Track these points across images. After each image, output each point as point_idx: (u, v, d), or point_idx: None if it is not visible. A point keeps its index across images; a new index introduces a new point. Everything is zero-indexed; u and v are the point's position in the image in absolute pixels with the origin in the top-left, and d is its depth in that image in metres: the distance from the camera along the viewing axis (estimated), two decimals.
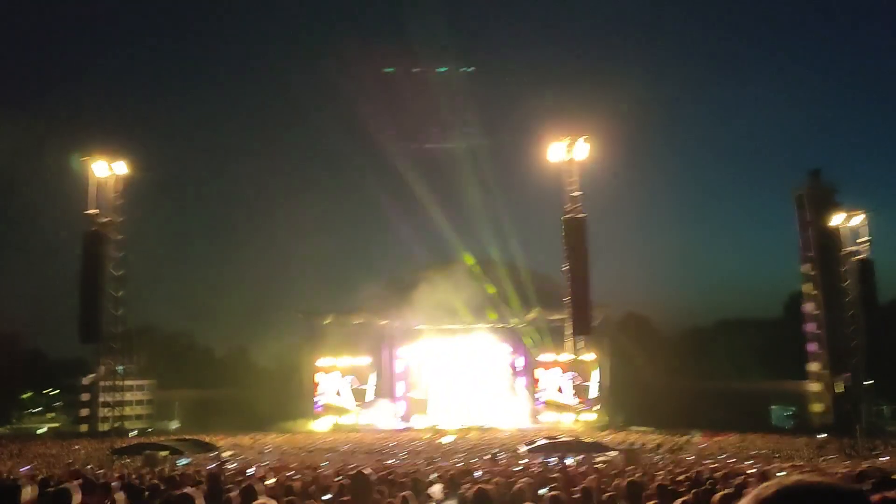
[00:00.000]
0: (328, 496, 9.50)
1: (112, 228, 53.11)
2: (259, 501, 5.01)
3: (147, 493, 8.72)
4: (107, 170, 52.89)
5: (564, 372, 55.06)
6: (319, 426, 55.54)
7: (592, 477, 14.14)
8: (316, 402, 58.14)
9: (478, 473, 15.81)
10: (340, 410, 57.88)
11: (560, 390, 55.43)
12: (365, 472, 5.24)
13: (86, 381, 56.48)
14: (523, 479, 12.71)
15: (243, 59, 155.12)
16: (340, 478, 13.31)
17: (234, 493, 6.06)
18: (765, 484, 1.30)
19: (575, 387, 54.85)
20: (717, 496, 6.38)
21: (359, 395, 58.36)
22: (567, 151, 50.62)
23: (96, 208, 52.43)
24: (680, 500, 6.31)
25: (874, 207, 54.34)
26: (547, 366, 57.46)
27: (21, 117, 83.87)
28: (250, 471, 18.09)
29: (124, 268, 54.17)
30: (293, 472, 18.65)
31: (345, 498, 5.49)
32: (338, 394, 58.21)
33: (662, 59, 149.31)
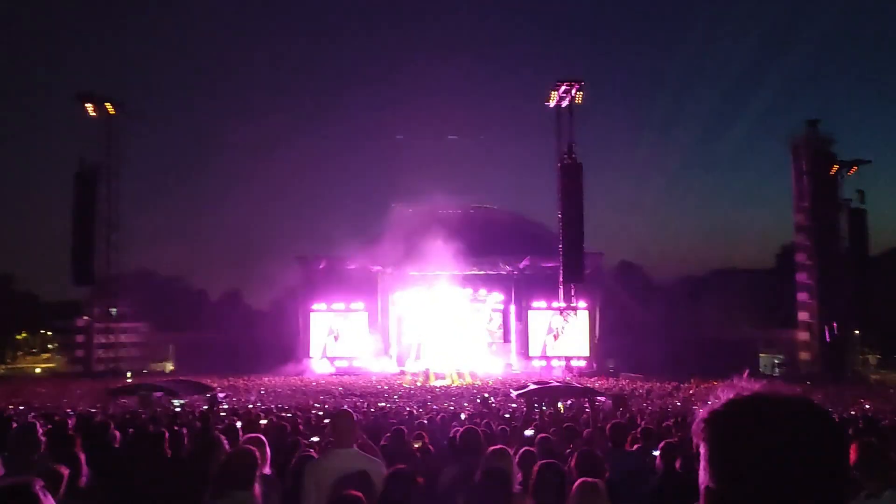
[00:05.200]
0: (317, 438, 9.64)
1: (104, 169, 52.76)
2: (248, 436, 5.04)
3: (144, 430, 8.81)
4: (99, 110, 52.29)
5: (560, 317, 55.39)
6: (313, 369, 56.10)
7: (581, 419, 14.37)
8: (310, 346, 58.70)
9: (464, 416, 16.04)
10: (334, 354, 58.46)
11: (555, 337, 55.87)
12: (349, 410, 5.27)
13: (80, 322, 56.74)
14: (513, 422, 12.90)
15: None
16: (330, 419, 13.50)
17: (221, 433, 6.12)
18: (721, 394, 1.29)
19: (568, 333, 55.29)
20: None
21: (353, 339, 58.84)
22: (563, 98, 50.07)
23: (89, 149, 52.01)
24: (664, 442, 6.39)
25: (869, 158, 54.27)
26: (543, 312, 57.84)
27: (13, 55, 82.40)
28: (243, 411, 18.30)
29: (117, 210, 54.05)
30: (286, 413, 18.90)
31: (331, 438, 5.53)
32: (335, 338, 58.74)
33: (661, 5, 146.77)
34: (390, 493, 3.49)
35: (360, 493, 3.18)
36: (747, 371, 1.60)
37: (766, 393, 1.25)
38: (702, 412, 1.29)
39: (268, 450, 4.69)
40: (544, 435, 7.70)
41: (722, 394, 1.29)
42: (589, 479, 3.84)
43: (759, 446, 1.17)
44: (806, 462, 1.14)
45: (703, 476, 1.26)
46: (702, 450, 1.27)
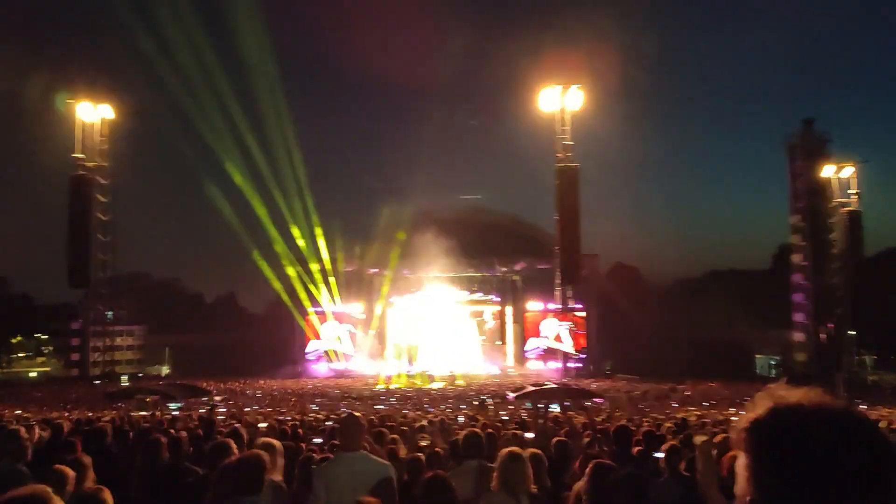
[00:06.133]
0: (319, 440, 9.62)
1: (99, 172, 52.68)
2: (262, 440, 5.03)
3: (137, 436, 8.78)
4: (93, 113, 52.24)
5: (562, 320, 55.37)
6: (309, 372, 56.03)
7: (578, 422, 14.36)
8: (308, 349, 58.63)
9: (461, 419, 16.01)
10: (331, 356, 58.38)
11: (558, 338, 55.81)
12: (356, 413, 5.26)
13: (75, 325, 56.56)
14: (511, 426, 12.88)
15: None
16: (331, 422, 13.47)
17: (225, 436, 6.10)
18: (761, 402, 1.25)
19: (567, 335, 55.31)
20: (699, 438, 6.48)
21: (349, 341, 58.80)
22: (560, 99, 50.11)
23: (83, 152, 51.90)
24: (665, 445, 6.39)
25: (864, 158, 54.41)
26: (540, 314, 57.89)
27: (6, 56, 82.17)
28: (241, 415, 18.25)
29: (112, 213, 53.95)
30: (284, 416, 18.86)
31: (335, 440, 5.53)
32: (331, 341, 58.70)
33: (656, 6, 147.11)
34: (429, 499, 3.50)
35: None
36: (786, 378, 1.57)
37: (809, 402, 1.22)
38: (742, 421, 1.26)
39: (280, 456, 4.67)
40: (559, 438, 7.71)
41: (760, 402, 1.26)
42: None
43: (805, 458, 1.14)
44: (853, 474, 1.12)
45: (743, 487, 1.23)
46: (743, 460, 1.24)
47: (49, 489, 2.11)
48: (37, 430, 9.47)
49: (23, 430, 5.87)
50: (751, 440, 1.22)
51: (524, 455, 3.88)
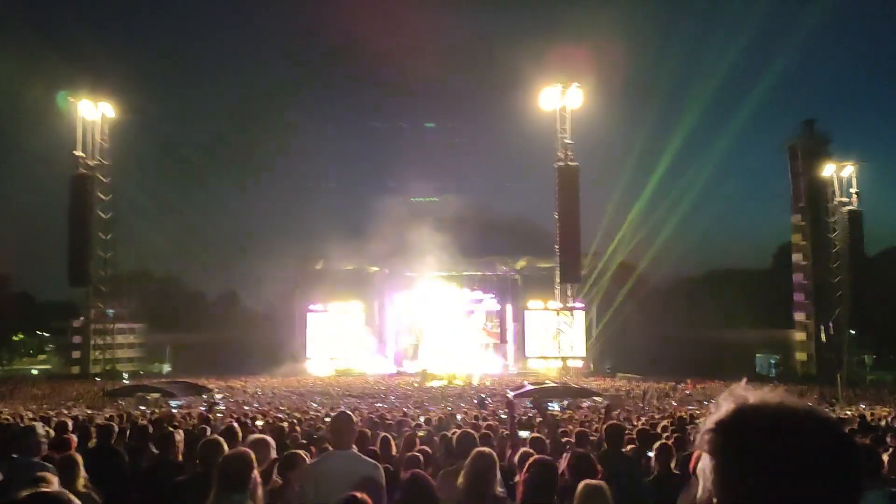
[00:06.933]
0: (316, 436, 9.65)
1: (100, 171, 52.73)
2: (254, 437, 5.04)
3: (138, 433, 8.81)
4: (94, 111, 52.28)
5: (557, 318, 55.34)
6: (310, 370, 56.06)
7: (576, 421, 14.40)
8: (308, 347, 58.65)
9: (460, 417, 16.02)
10: (332, 355, 58.39)
11: (554, 337, 55.81)
12: (347, 411, 5.28)
13: (76, 323, 56.62)
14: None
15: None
16: (329, 420, 13.50)
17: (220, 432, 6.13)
18: (724, 403, 1.24)
19: (567, 334, 55.31)
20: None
21: (350, 340, 58.79)
22: (559, 99, 50.11)
23: (83, 150, 51.94)
24: (658, 443, 6.41)
25: (864, 158, 54.39)
26: (540, 313, 57.85)
27: (8, 55, 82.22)
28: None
29: (113, 211, 54.01)
30: (283, 413, 18.89)
31: (329, 438, 5.55)
32: (332, 339, 58.70)
33: (658, 5, 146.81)
34: (409, 498, 3.50)
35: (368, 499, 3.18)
36: (745, 378, 1.56)
37: (773, 402, 1.21)
38: (707, 422, 1.24)
39: (272, 452, 4.68)
40: (536, 436, 7.74)
41: (723, 402, 1.24)
42: (592, 482, 3.85)
43: (771, 460, 1.14)
44: (820, 473, 1.12)
45: (707, 488, 1.22)
46: (707, 461, 1.22)
47: (68, 493, 2.14)
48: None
49: (39, 425, 6.02)
50: (716, 441, 1.21)
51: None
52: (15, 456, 5.33)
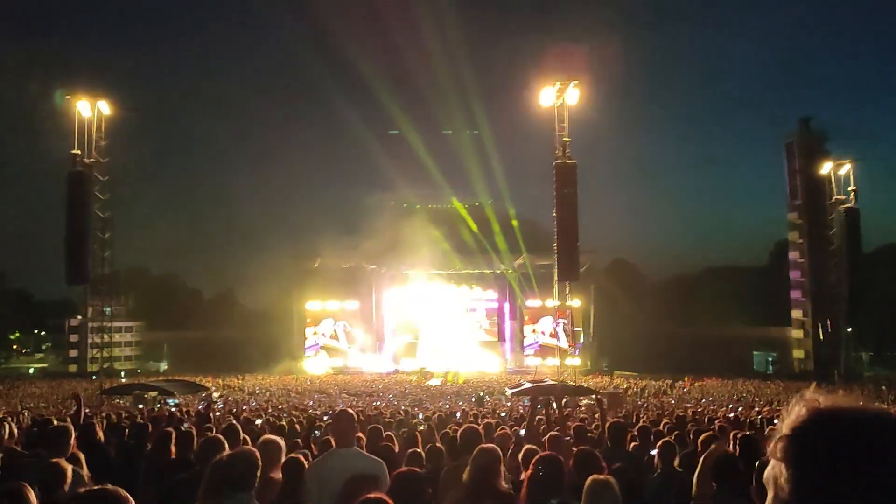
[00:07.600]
0: (315, 434, 9.63)
1: (97, 169, 52.58)
2: (265, 437, 5.02)
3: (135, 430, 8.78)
4: (91, 109, 52.11)
5: (558, 317, 55.27)
6: (307, 368, 56.05)
7: (575, 418, 14.40)
8: (306, 345, 58.67)
9: (458, 414, 16.00)
10: (328, 352, 58.40)
11: (554, 334, 55.72)
12: (349, 410, 5.27)
13: (73, 322, 56.51)
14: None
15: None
16: (328, 418, 13.48)
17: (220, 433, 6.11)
18: (796, 409, 1.18)
19: (566, 332, 55.26)
20: (703, 435, 6.51)
21: (347, 338, 58.78)
22: (557, 96, 50.04)
23: (81, 148, 51.77)
24: (661, 441, 6.41)
25: (861, 156, 54.42)
26: (538, 311, 57.84)
27: (5, 52, 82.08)
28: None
29: (110, 209, 53.90)
30: (281, 412, 18.88)
31: (329, 436, 5.53)
32: (329, 337, 58.68)
33: (656, 4, 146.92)
34: (401, 495, 3.47)
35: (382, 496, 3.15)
36: (814, 383, 1.51)
37: (850, 408, 1.16)
38: (783, 429, 1.19)
39: (281, 453, 4.67)
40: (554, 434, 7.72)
41: (794, 407, 1.20)
42: (600, 477, 3.85)
43: (856, 465, 1.09)
44: None
45: (781, 498, 1.17)
46: (780, 469, 1.18)
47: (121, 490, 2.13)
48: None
49: (70, 424, 6.12)
50: (793, 450, 1.15)
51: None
52: (42, 451, 5.42)
